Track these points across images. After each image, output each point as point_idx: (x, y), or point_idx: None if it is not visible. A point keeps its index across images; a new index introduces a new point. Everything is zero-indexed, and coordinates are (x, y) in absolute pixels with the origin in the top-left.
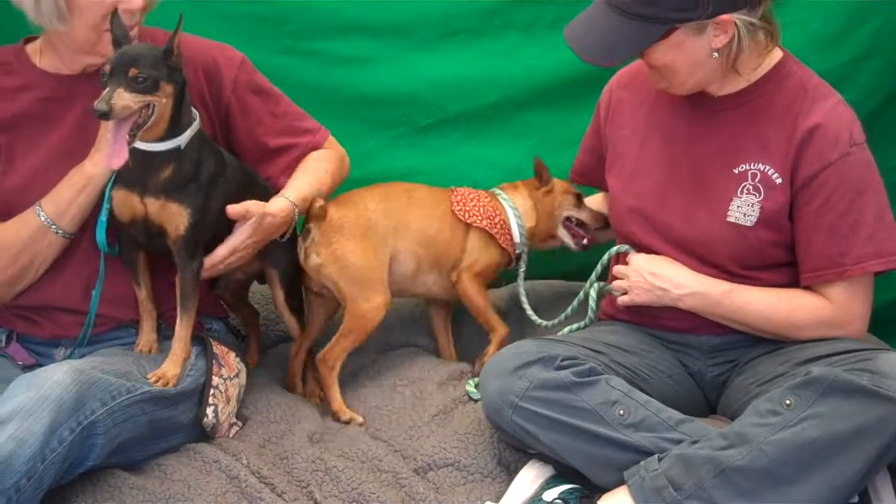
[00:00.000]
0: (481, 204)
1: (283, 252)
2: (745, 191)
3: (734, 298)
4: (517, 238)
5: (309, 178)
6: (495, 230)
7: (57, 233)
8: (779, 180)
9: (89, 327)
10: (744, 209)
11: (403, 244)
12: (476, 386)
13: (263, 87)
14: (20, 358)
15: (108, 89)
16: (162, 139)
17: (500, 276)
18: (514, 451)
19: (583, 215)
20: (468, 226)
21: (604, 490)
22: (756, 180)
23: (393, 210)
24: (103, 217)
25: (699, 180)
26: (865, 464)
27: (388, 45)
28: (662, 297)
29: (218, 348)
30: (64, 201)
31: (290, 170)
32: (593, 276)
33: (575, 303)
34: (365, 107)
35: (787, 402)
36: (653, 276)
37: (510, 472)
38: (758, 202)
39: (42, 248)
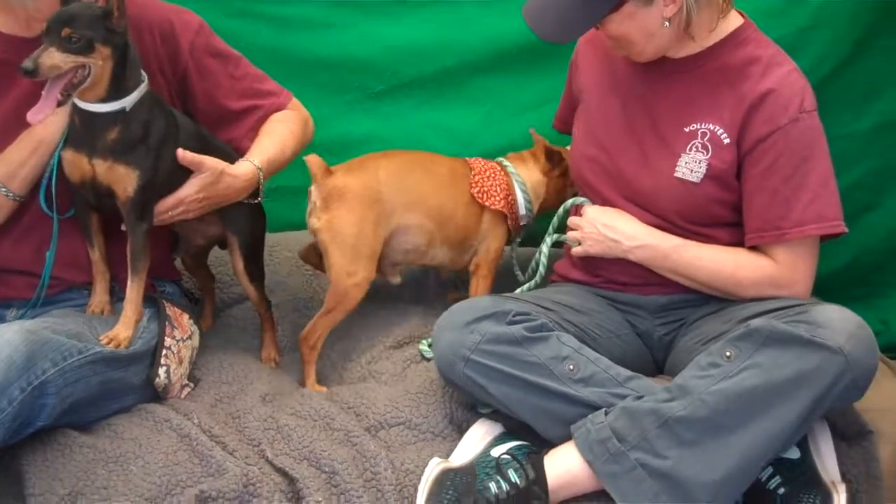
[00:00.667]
0: (497, 182)
1: (245, 218)
2: (694, 148)
3: (682, 253)
4: (522, 212)
5: (273, 139)
6: (508, 209)
7: (7, 195)
8: (727, 140)
9: (43, 289)
10: (691, 165)
11: (415, 219)
12: (429, 346)
13: (222, 50)
14: None
15: (40, 48)
16: (105, 100)
17: None
18: (465, 410)
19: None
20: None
21: (552, 446)
22: (705, 139)
23: (405, 184)
24: (44, 179)
25: (653, 137)
26: (804, 411)
27: (342, 10)
28: (614, 248)
29: (171, 310)
30: (14, 164)
31: (253, 132)
32: (550, 228)
33: (536, 256)
34: (319, 72)
35: (727, 353)
36: (605, 227)
37: (461, 431)
38: (705, 160)
39: None
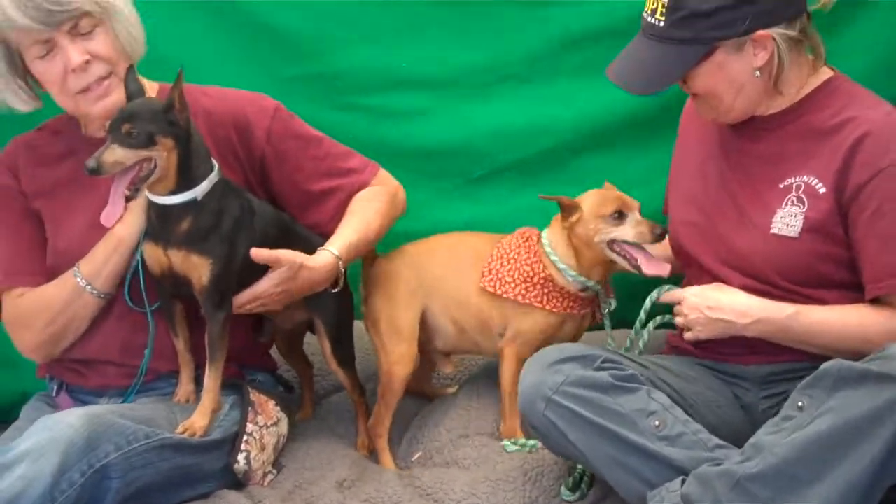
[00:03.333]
0: (517, 267)
1: (329, 302)
2: (790, 202)
3: (801, 320)
4: (571, 285)
5: (355, 223)
6: (533, 293)
7: (92, 293)
8: (822, 189)
9: (139, 380)
10: (787, 220)
11: (436, 303)
12: (512, 443)
13: (300, 132)
14: (66, 407)
15: (103, 146)
16: (175, 192)
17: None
18: (547, 497)
19: (625, 234)
20: None
21: None
22: (800, 192)
23: (427, 268)
24: (129, 275)
25: (748, 196)
26: (881, 452)
27: (437, 96)
28: (727, 328)
29: (255, 396)
30: (98, 263)
31: (339, 214)
32: (638, 321)
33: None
34: (418, 159)
35: (799, 403)
36: (711, 310)
37: None
38: (801, 213)
39: (79, 309)
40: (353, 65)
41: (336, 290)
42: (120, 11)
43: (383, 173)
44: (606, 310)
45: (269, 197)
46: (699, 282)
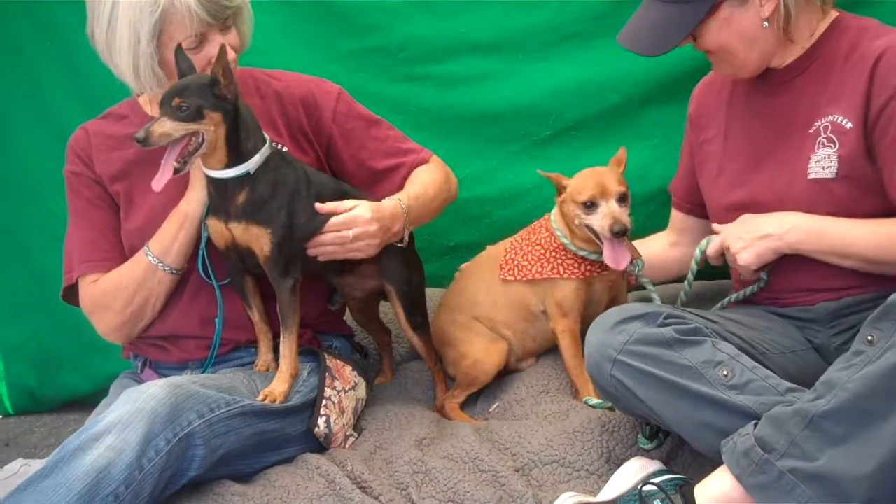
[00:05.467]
0: (530, 250)
1: (399, 266)
2: (821, 144)
3: (837, 227)
4: (577, 249)
5: (415, 185)
6: (549, 267)
7: (164, 270)
8: (848, 125)
9: (215, 350)
10: (822, 162)
11: (475, 312)
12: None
13: (363, 114)
14: None
15: (154, 119)
16: (228, 166)
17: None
18: (624, 447)
19: (592, 222)
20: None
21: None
22: (829, 132)
23: (457, 286)
24: (201, 248)
25: (780, 151)
26: None
27: (501, 59)
28: (768, 244)
29: (332, 361)
30: (167, 240)
31: (400, 189)
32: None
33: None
34: (484, 125)
35: (869, 337)
36: (749, 231)
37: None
38: (834, 152)
39: (154, 286)
40: (413, 35)
41: (403, 254)
42: (247, 7)
43: (437, 158)
44: (635, 270)
45: (338, 176)
46: None
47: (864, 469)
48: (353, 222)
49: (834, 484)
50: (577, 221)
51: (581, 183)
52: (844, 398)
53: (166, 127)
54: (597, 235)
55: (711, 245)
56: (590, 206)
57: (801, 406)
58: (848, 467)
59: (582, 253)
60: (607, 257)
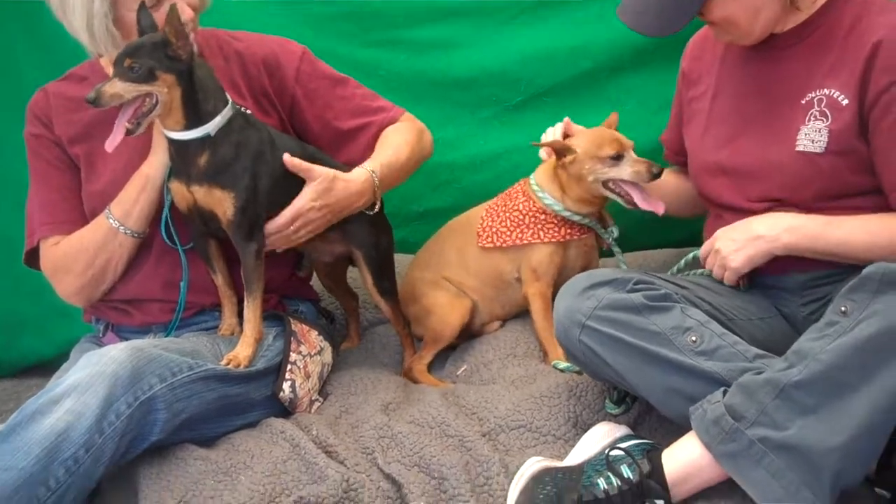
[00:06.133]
0: (508, 216)
1: (367, 231)
2: (812, 118)
3: (832, 231)
4: (558, 209)
5: (386, 148)
6: (529, 232)
7: (126, 233)
8: (844, 101)
9: (179, 314)
10: (812, 136)
11: (453, 277)
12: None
13: (328, 73)
14: None
15: (106, 80)
16: (187, 127)
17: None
18: (592, 412)
19: (622, 173)
20: None
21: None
22: (822, 105)
23: (429, 247)
24: (165, 212)
25: (769, 119)
26: None
27: (473, 25)
28: (759, 246)
29: (297, 326)
30: (128, 202)
31: (370, 149)
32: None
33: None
34: (456, 90)
35: (843, 308)
36: (741, 233)
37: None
38: (825, 127)
39: (115, 249)
40: (383, 1)
41: (371, 218)
42: None
43: (409, 115)
44: (609, 238)
45: (303, 138)
46: (728, 220)
47: (835, 441)
48: (326, 196)
49: (804, 454)
50: (593, 178)
51: (598, 139)
52: (817, 369)
53: (117, 88)
54: (613, 192)
55: (703, 246)
56: (616, 158)
57: (772, 375)
58: (818, 438)
59: (567, 214)
60: (642, 201)
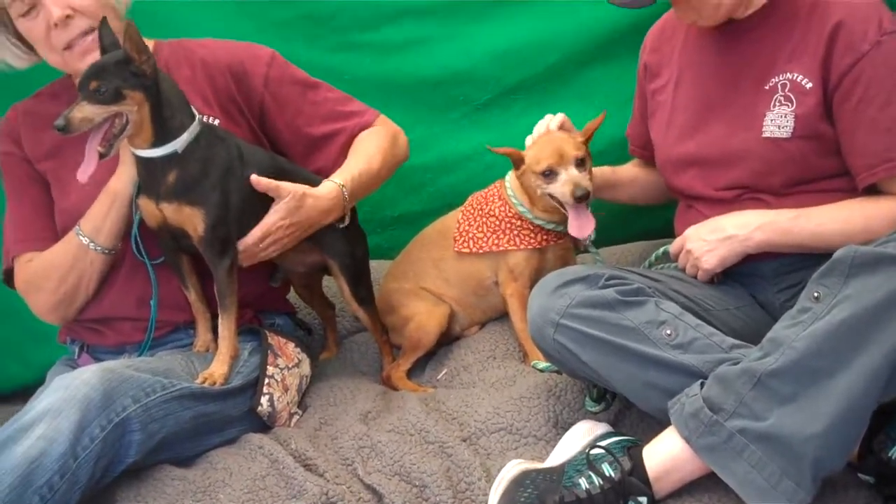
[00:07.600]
0: (484, 221)
1: (340, 241)
2: (777, 103)
3: (804, 224)
4: (536, 221)
5: (358, 158)
6: (505, 238)
7: (96, 250)
8: (808, 85)
9: (151, 333)
10: (778, 121)
11: (420, 284)
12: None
13: (299, 77)
14: None
15: (73, 104)
16: (155, 144)
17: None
18: (572, 411)
19: (553, 191)
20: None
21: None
22: (787, 90)
23: (403, 257)
24: (134, 228)
25: (734, 106)
26: None
27: (438, 24)
28: (732, 245)
29: (274, 339)
30: (98, 219)
31: (342, 157)
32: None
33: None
34: (424, 92)
35: (815, 294)
36: (712, 232)
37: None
38: (791, 112)
39: (86, 266)
40: (345, 1)
41: (344, 226)
42: None
43: (383, 117)
44: (590, 240)
45: (274, 146)
46: (698, 210)
47: (814, 428)
48: (295, 213)
49: (784, 444)
50: (538, 192)
51: (537, 153)
52: (792, 357)
53: (86, 112)
54: (561, 204)
55: (674, 244)
56: (549, 174)
57: (748, 365)
58: (797, 427)
59: (539, 222)
60: (572, 225)
